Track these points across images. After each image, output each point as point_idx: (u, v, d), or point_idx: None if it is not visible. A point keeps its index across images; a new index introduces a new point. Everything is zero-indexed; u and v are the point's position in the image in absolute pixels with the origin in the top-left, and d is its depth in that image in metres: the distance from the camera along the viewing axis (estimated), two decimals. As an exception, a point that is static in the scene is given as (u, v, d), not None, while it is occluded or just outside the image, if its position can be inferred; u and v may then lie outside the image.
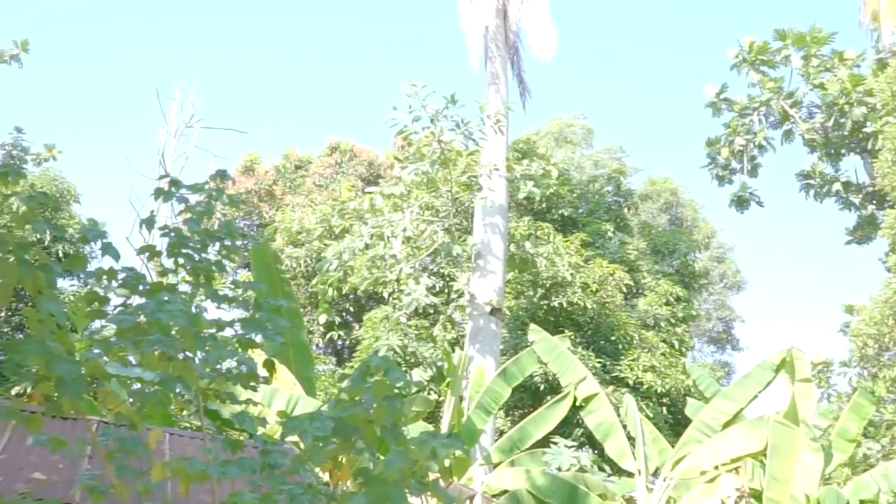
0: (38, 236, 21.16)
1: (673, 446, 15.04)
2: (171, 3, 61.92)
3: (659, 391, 23.49)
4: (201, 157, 57.69)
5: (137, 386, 5.46)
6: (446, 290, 22.98)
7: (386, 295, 23.11)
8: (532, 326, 16.66)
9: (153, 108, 50.94)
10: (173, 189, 5.62)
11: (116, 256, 5.29)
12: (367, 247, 20.11)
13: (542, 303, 24.29)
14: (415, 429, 12.47)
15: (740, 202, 18.51)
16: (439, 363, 20.39)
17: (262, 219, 33.36)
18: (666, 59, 70.16)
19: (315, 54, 67.25)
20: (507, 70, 21.53)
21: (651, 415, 22.09)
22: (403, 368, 19.91)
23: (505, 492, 13.78)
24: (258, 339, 5.60)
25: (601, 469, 15.71)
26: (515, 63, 22.43)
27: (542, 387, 22.02)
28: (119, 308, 5.31)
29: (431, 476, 5.23)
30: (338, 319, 27.30)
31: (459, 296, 20.77)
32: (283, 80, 64.78)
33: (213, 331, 5.33)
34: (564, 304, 23.76)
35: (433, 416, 20.07)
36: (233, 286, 5.89)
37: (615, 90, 68.92)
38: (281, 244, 27.42)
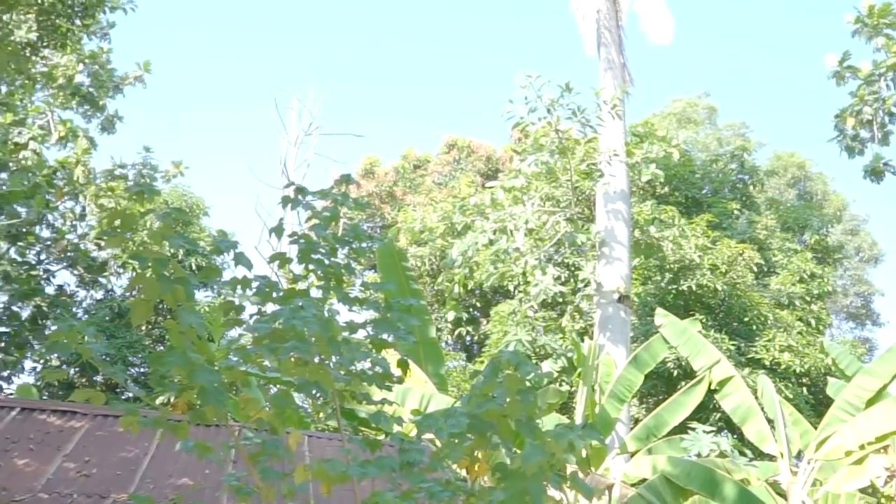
0: (173, 251, 21.93)
1: (815, 427, 14.60)
2: (285, 12, 63.21)
3: (797, 371, 22.83)
4: (321, 164, 58.69)
5: (274, 391, 5.60)
6: (572, 280, 22.84)
7: (512, 289, 23.11)
8: (658, 311, 16.39)
9: (273, 118, 52.42)
10: (300, 196, 5.75)
11: (249, 265, 5.43)
12: (490, 242, 20.12)
13: (670, 287, 23.91)
14: (548, 421, 12.44)
15: (874, 173, 17.72)
16: (569, 354, 20.28)
17: (384, 220, 33.77)
18: (785, 31, 68.04)
19: (425, 53, 67.74)
20: (621, 54, 21.23)
21: (791, 396, 21.51)
22: (533, 361, 19.87)
23: (643, 480, 13.62)
24: (390, 338, 5.65)
25: (741, 454, 15.35)
26: (625, 47, 22.13)
27: (675, 372, 21.68)
28: (254, 316, 5.46)
29: (569, 468, 5.20)
30: (465, 315, 27.43)
31: (586, 285, 20.58)
32: (396, 81, 65.45)
33: (346, 333, 5.42)
34: (694, 288, 23.32)
35: (566, 408, 19.99)
36: (362, 288, 5.99)
37: (736, 67, 66.97)
38: (404, 244, 27.67)
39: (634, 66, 22.19)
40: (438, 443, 5.41)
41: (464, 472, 6.11)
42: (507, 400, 5.07)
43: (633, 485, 13.89)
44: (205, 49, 64.35)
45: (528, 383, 5.13)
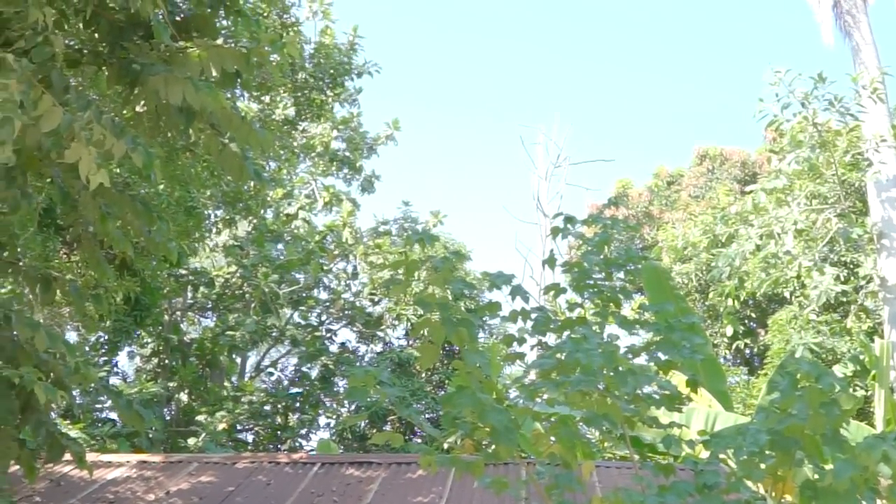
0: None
1: None
2: (520, 47, 64.20)
3: None
4: (574, 193, 58.73)
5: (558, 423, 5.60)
6: (852, 278, 21.60)
7: (788, 294, 22.11)
8: (957, 300, 15.24)
9: (521, 155, 53.15)
10: (569, 226, 5.78)
11: (526, 298, 5.50)
12: (757, 248, 19.41)
13: (966, 273, 22.07)
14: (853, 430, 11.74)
15: None
16: (859, 356, 19.15)
17: (643, 241, 33.32)
18: None
19: (660, 69, 66.47)
20: (872, 33, 19.99)
21: None
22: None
23: (966, 485, 12.55)
24: (675, 359, 5.53)
25: None
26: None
27: (984, 365, 19.94)
28: (535, 347, 5.52)
29: (884, 482, 4.86)
30: (741, 328, 26.48)
31: (868, 282, 19.40)
32: (637, 99, 64.54)
33: (630, 358, 5.36)
34: None
35: (862, 413, 18.86)
36: (638, 311, 5.96)
37: None
38: (668, 263, 27.14)
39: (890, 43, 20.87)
40: (732, 463, 5.22)
41: (762, 492, 5.87)
42: (810, 413, 4.81)
43: (953, 490, 12.84)
44: (447, 96, 66.17)
45: (832, 395, 4.84)
